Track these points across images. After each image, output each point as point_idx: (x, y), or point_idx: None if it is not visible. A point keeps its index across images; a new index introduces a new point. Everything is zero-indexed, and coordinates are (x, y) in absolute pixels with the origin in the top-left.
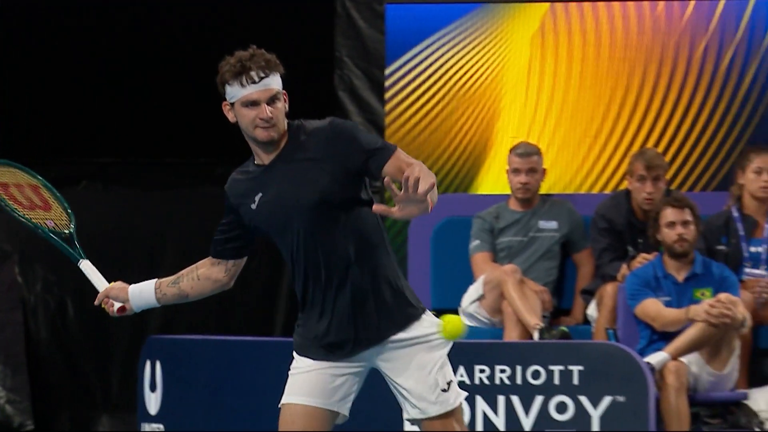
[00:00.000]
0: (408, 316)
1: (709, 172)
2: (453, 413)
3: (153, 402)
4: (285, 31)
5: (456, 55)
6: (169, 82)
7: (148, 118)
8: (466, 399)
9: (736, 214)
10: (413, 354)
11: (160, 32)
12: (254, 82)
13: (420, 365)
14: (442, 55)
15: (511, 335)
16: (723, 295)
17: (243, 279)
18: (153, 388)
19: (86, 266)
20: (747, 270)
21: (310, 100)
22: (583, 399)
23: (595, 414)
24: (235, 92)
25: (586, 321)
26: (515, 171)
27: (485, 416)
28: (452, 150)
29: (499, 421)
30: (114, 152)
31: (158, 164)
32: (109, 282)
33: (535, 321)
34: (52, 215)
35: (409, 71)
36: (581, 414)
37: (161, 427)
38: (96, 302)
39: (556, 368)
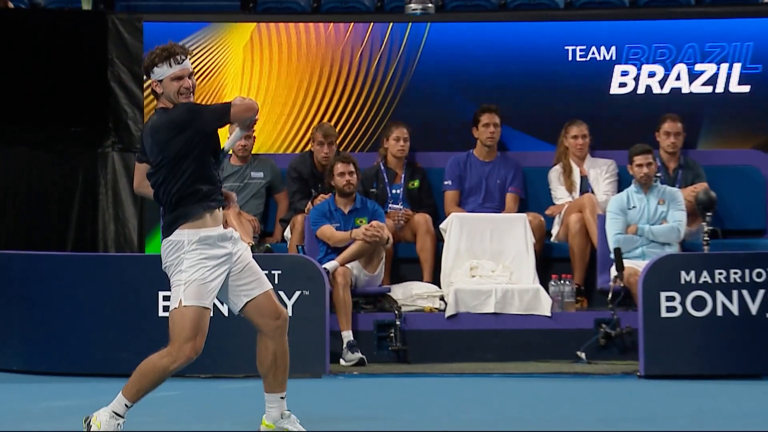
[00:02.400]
0: None
1: (365, 139)
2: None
3: None
4: (73, 40)
5: (194, 56)
6: None
7: None
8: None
9: (382, 167)
10: None
11: None
12: (178, 63)
13: None
14: None
15: None
16: (374, 222)
17: (42, 206)
18: None
19: None
20: (390, 205)
21: (92, 87)
22: (282, 293)
23: (290, 303)
24: (163, 71)
25: (284, 240)
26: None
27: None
28: None
29: (224, 310)
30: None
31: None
32: None
33: (248, 240)
34: None
35: None
36: (281, 302)
37: None
38: None
39: (264, 272)
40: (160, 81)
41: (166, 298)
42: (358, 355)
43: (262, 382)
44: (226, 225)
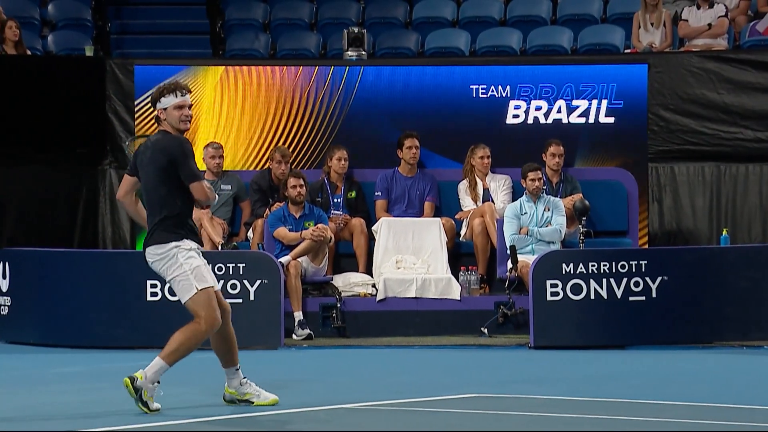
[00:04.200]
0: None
1: (312, 158)
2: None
3: (4, 285)
4: (78, 80)
5: None
6: None
7: None
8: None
9: (326, 181)
10: None
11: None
12: (182, 95)
13: None
14: None
15: (206, 247)
16: (319, 225)
17: (53, 212)
18: (4, 276)
19: None
20: (332, 211)
21: (93, 118)
22: (245, 282)
23: (252, 289)
24: (169, 100)
25: (247, 240)
26: (211, 157)
27: None
28: None
29: None
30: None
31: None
32: None
33: (218, 240)
34: None
35: (147, 103)
36: (244, 290)
37: (9, 299)
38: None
39: (231, 265)
40: (165, 109)
41: (153, 286)
42: (307, 331)
43: (219, 361)
44: (200, 227)
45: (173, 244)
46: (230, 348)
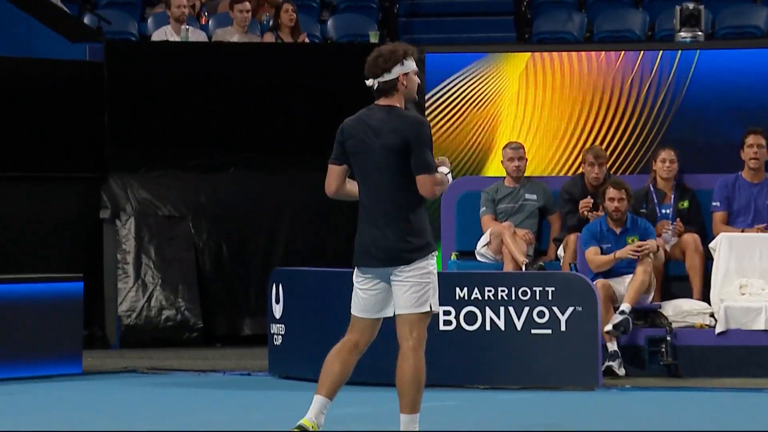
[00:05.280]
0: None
1: (635, 161)
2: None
3: (278, 310)
4: (358, 70)
5: (471, 86)
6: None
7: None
8: (480, 309)
9: (652, 189)
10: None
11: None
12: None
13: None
14: (462, 86)
15: (508, 267)
16: (644, 242)
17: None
18: (277, 301)
19: None
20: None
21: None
22: (555, 309)
23: (563, 318)
24: (411, 65)
25: (557, 259)
26: (510, 159)
27: (491, 320)
28: (469, 147)
29: (501, 323)
30: (250, 149)
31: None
32: None
33: (522, 259)
34: None
35: (441, 97)
36: (553, 318)
37: (283, 326)
38: None
39: (538, 289)
40: (406, 74)
41: (446, 313)
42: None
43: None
44: (501, 243)
45: (432, 253)
46: (344, 379)
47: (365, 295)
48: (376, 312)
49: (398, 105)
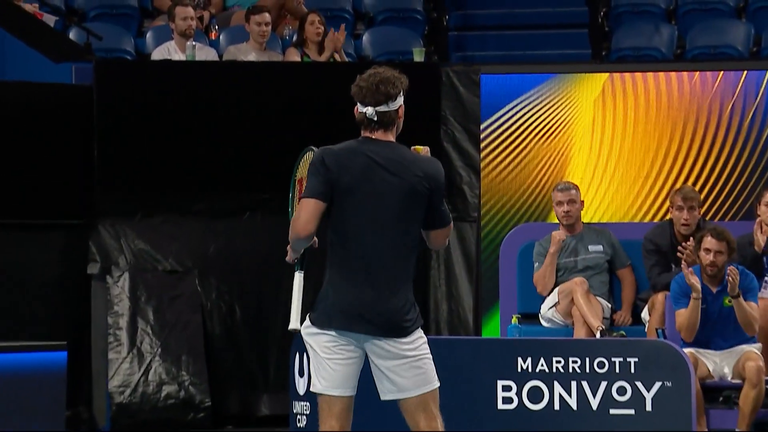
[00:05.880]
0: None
1: (736, 205)
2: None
3: (301, 385)
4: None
5: (535, 113)
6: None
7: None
8: (546, 384)
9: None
10: None
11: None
12: None
13: None
14: (525, 113)
15: (580, 334)
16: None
17: None
18: (301, 374)
19: (298, 278)
20: (767, 278)
21: (427, 143)
22: (639, 384)
23: (648, 396)
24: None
25: (640, 322)
26: (558, 203)
27: (561, 398)
28: (533, 188)
29: (572, 402)
30: (269, 189)
31: None
32: None
33: (597, 323)
34: None
35: (499, 126)
36: (637, 396)
37: (308, 404)
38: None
39: (617, 360)
40: (400, 107)
41: (506, 389)
42: None
43: None
44: (571, 303)
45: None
46: None
47: (339, 366)
48: (352, 388)
49: (389, 140)
